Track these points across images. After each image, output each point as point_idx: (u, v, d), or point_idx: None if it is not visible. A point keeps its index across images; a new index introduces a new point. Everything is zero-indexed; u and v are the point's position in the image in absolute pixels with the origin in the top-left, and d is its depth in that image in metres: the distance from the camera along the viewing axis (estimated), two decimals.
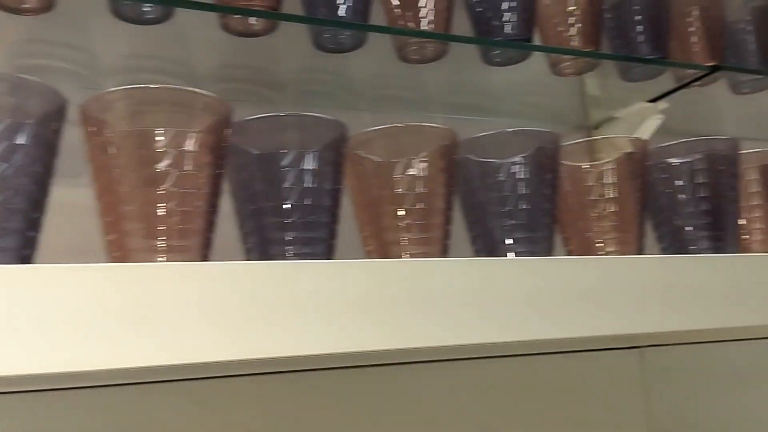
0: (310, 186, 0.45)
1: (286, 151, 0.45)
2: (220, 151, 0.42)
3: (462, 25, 0.66)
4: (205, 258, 0.40)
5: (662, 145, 0.57)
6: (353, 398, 0.60)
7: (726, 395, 0.82)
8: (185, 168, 0.40)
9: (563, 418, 0.73)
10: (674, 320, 0.51)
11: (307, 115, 0.46)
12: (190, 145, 0.41)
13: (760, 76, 0.77)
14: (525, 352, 0.72)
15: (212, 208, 0.41)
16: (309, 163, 0.46)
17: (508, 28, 0.65)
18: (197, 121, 0.41)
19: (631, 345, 0.78)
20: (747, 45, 0.77)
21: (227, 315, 0.37)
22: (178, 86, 0.40)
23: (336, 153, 0.46)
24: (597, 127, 0.82)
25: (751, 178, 0.61)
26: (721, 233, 0.56)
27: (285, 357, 0.40)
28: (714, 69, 0.72)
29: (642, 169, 0.55)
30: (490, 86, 0.81)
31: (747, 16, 0.77)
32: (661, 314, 0.50)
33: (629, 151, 0.55)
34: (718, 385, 0.82)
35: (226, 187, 0.45)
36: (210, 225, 0.41)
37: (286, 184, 0.45)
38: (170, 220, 0.39)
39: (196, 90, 0.41)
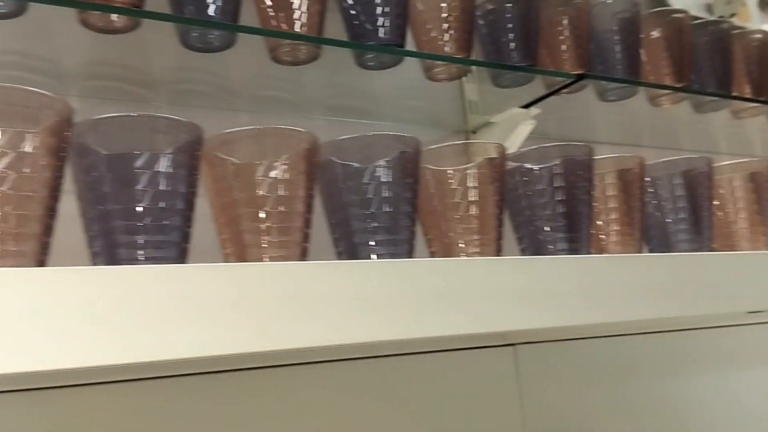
0: (164, 189, 0.45)
1: (138, 152, 0.44)
2: (60, 152, 0.40)
3: (336, 28, 0.67)
4: (40, 264, 0.39)
5: (521, 150, 0.59)
6: (214, 403, 0.59)
7: (597, 389, 0.86)
8: (22, 170, 0.39)
9: (440, 416, 0.75)
10: (531, 318, 0.53)
11: (159, 116, 0.45)
12: (27, 146, 0.39)
13: (625, 85, 0.81)
14: (399, 352, 0.73)
15: (50, 212, 0.39)
16: (162, 165, 0.45)
17: (381, 33, 0.66)
18: (36, 121, 0.40)
19: (505, 342, 0.81)
20: (614, 54, 0.81)
21: (65, 322, 0.36)
22: (13, 85, 0.39)
23: (190, 155, 0.46)
24: (475, 131, 0.84)
25: (608, 182, 0.64)
26: (576, 235, 0.59)
27: (145, 363, 0.39)
28: (580, 77, 0.76)
29: (501, 173, 0.57)
30: (372, 89, 0.81)
31: (614, 26, 0.81)
32: (520, 312, 0.52)
33: (490, 156, 0.57)
34: (590, 380, 0.86)
35: (71, 189, 0.44)
36: (47, 229, 0.39)
37: (138, 186, 0.44)
38: (4, 224, 0.38)
39: (35, 89, 0.40)
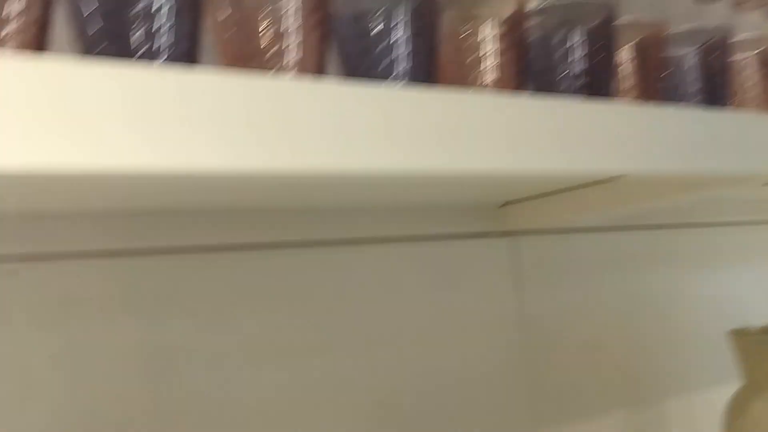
0: None
1: None
2: None
3: None
4: None
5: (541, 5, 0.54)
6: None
7: (594, 282, 0.84)
8: None
9: (436, 307, 0.72)
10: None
11: None
12: None
13: None
14: (387, 239, 0.69)
15: None
16: None
17: None
18: None
19: (502, 230, 0.78)
20: None
21: None
22: None
23: None
24: None
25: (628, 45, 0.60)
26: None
27: None
28: None
29: (522, 33, 0.52)
30: None
31: None
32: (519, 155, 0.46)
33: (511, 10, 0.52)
34: (589, 273, 0.84)
35: None
36: None
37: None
38: None
39: None
